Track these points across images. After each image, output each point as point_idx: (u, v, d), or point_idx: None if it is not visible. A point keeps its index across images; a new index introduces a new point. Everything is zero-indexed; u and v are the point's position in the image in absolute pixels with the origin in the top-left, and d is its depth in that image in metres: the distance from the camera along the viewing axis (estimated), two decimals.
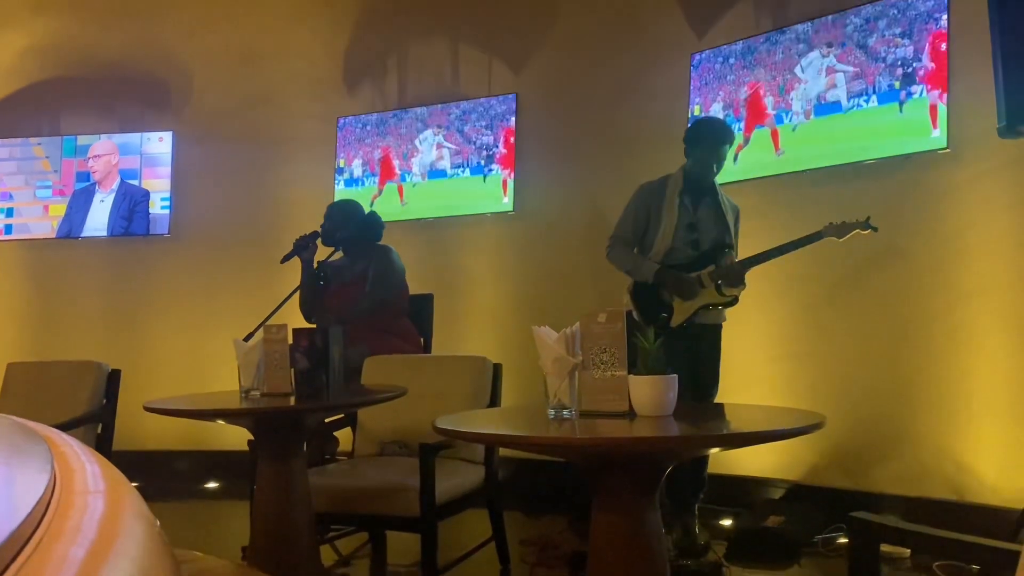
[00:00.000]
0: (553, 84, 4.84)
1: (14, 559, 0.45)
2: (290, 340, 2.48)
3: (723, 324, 3.47)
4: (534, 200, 4.80)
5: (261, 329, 2.60)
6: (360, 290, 3.87)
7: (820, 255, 3.84)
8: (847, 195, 3.77)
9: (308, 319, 3.94)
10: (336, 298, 3.91)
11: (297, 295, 3.92)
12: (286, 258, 3.86)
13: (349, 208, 4.07)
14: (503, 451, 3.27)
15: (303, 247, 3.87)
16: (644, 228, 3.47)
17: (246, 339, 3.57)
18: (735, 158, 4.05)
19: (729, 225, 3.42)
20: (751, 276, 3.45)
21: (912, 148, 3.55)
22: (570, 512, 3.87)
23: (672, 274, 3.36)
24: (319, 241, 3.93)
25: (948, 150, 3.44)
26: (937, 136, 3.46)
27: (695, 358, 3.33)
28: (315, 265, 3.94)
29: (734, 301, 3.38)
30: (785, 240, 3.34)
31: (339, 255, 4.01)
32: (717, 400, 3.42)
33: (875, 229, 3.26)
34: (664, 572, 1.67)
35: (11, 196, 5.57)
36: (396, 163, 5.14)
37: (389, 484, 2.61)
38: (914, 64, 3.55)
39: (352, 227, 3.94)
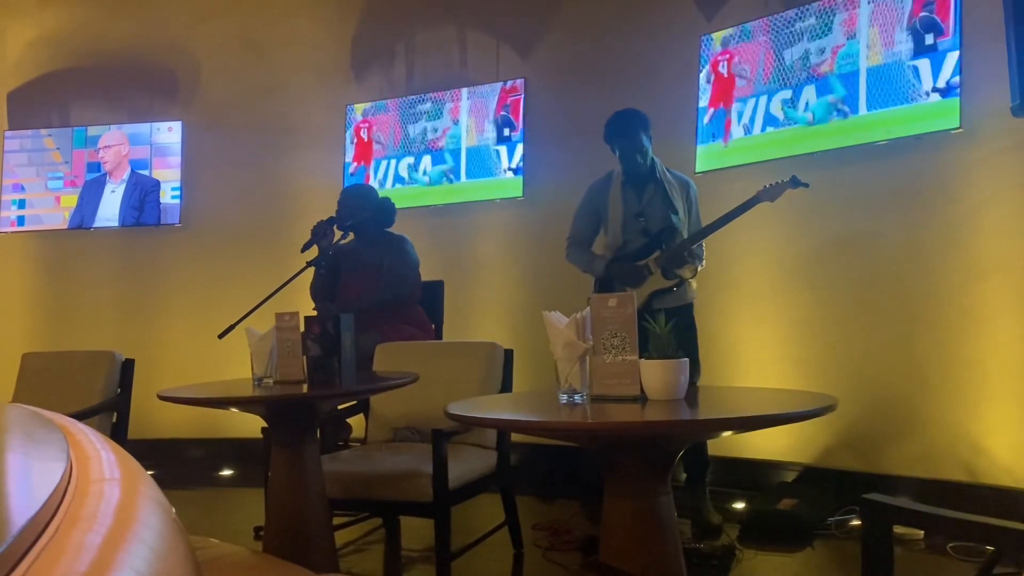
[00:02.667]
0: (561, 68, 4.82)
1: (32, 546, 0.46)
2: (302, 328, 2.49)
3: (693, 303, 3.48)
4: (543, 186, 4.79)
5: (246, 326, 2.62)
6: (374, 279, 3.87)
7: (831, 236, 3.83)
8: (859, 176, 3.75)
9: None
10: (349, 286, 3.92)
11: (280, 290, 3.91)
12: (306, 246, 3.86)
13: (364, 192, 4.07)
14: (515, 436, 3.29)
15: (322, 235, 3.87)
16: (597, 226, 3.59)
17: (221, 336, 3.59)
18: (752, 123, 4.03)
19: (677, 206, 3.43)
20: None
21: (925, 128, 3.52)
22: (582, 496, 3.88)
23: (619, 266, 3.46)
24: (335, 227, 3.93)
25: (961, 130, 3.40)
26: (950, 116, 3.43)
27: None
28: (330, 252, 3.94)
29: (682, 282, 3.40)
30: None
31: (348, 240, 4.01)
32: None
33: (806, 185, 3.31)
34: (677, 555, 1.67)
35: (23, 188, 5.60)
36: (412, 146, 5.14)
37: (402, 470, 2.63)
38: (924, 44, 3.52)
39: (367, 211, 3.95)
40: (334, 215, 3.94)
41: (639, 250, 3.43)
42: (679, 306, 3.41)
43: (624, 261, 3.45)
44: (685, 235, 3.41)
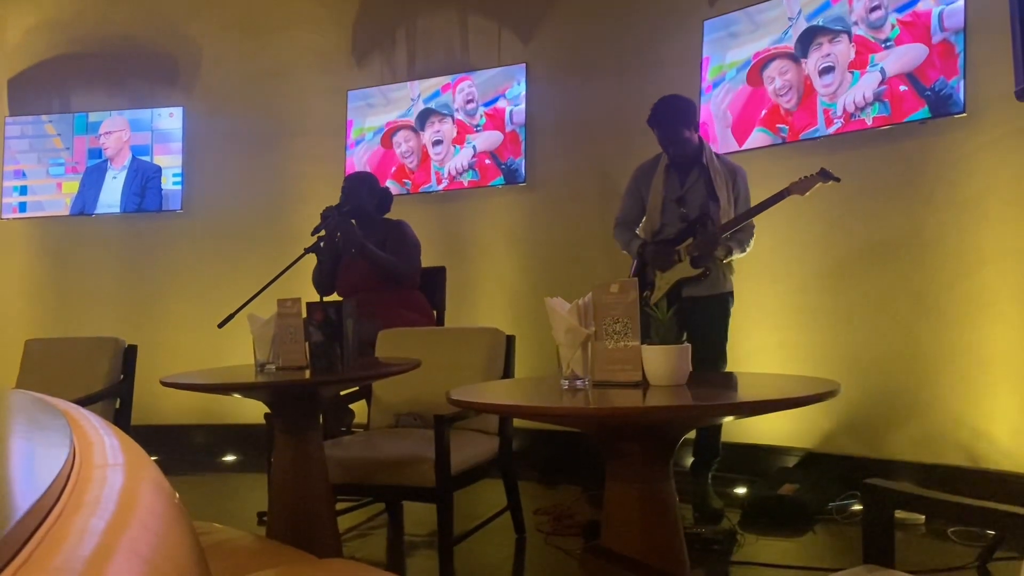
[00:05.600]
0: (563, 53, 4.80)
1: (36, 530, 0.46)
2: (304, 314, 2.49)
3: (730, 293, 3.45)
4: (546, 171, 4.79)
5: (249, 312, 2.62)
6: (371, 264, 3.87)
7: (834, 222, 3.83)
8: (863, 161, 3.73)
9: (321, 292, 3.95)
10: (350, 271, 3.92)
11: (280, 277, 3.91)
12: (316, 230, 3.85)
13: (368, 180, 4.08)
14: (517, 422, 3.29)
15: (331, 220, 3.86)
16: (642, 207, 3.57)
17: (221, 325, 3.59)
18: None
19: (720, 194, 3.39)
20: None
21: (928, 113, 3.50)
22: (584, 481, 3.90)
23: (650, 248, 3.44)
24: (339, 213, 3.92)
25: (965, 115, 3.39)
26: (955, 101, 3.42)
27: (693, 333, 3.31)
28: (336, 239, 3.93)
29: (705, 273, 3.36)
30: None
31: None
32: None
33: (837, 179, 3.28)
34: (679, 540, 1.68)
35: (24, 174, 5.59)
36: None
37: (405, 455, 2.64)
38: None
39: (373, 198, 3.97)
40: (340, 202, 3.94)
41: (675, 235, 3.41)
42: (712, 295, 3.39)
43: (658, 243, 3.43)
44: (723, 223, 3.35)
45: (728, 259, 3.41)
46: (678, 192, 3.44)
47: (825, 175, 3.26)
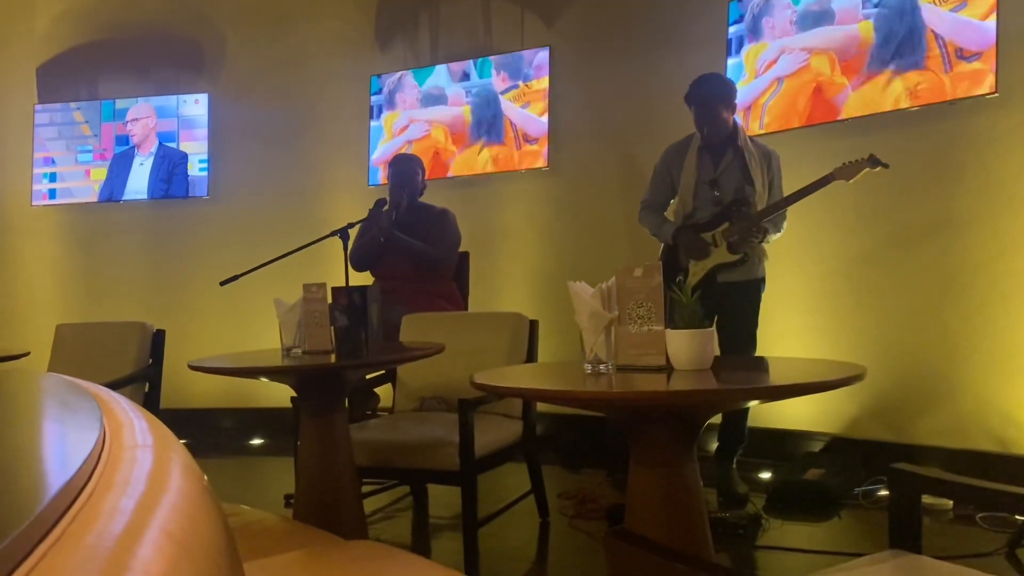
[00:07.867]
0: (587, 36, 4.76)
1: (68, 509, 0.47)
2: (329, 299, 2.50)
3: (763, 279, 3.41)
4: (569, 156, 4.76)
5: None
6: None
7: (861, 205, 3.78)
8: (891, 143, 3.68)
9: (357, 267, 3.95)
10: (388, 257, 3.92)
11: (299, 250, 3.94)
12: (373, 219, 3.88)
13: (417, 162, 4.11)
14: (541, 406, 3.30)
15: (398, 203, 3.89)
16: (671, 190, 3.51)
17: (223, 283, 3.62)
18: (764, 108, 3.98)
19: (755, 177, 3.34)
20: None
21: (959, 93, 3.44)
22: (608, 465, 3.90)
23: (687, 234, 3.38)
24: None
25: (997, 95, 3.33)
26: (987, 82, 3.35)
27: (724, 318, 3.28)
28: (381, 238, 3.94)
29: (745, 258, 3.32)
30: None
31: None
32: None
33: (886, 165, 3.19)
34: (703, 525, 1.68)
35: (53, 161, 5.66)
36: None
37: (429, 439, 2.65)
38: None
39: (423, 182, 4.01)
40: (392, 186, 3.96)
41: (708, 220, 3.36)
42: (746, 280, 3.35)
43: (692, 229, 3.39)
44: (759, 207, 3.31)
45: (764, 242, 3.36)
46: (711, 175, 3.38)
47: (874, 161, 3.16)
